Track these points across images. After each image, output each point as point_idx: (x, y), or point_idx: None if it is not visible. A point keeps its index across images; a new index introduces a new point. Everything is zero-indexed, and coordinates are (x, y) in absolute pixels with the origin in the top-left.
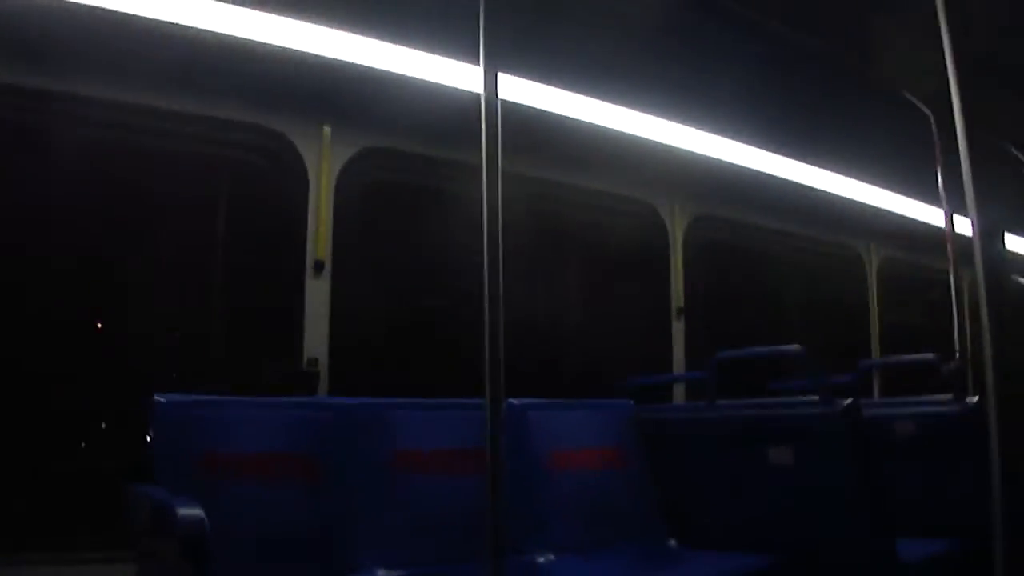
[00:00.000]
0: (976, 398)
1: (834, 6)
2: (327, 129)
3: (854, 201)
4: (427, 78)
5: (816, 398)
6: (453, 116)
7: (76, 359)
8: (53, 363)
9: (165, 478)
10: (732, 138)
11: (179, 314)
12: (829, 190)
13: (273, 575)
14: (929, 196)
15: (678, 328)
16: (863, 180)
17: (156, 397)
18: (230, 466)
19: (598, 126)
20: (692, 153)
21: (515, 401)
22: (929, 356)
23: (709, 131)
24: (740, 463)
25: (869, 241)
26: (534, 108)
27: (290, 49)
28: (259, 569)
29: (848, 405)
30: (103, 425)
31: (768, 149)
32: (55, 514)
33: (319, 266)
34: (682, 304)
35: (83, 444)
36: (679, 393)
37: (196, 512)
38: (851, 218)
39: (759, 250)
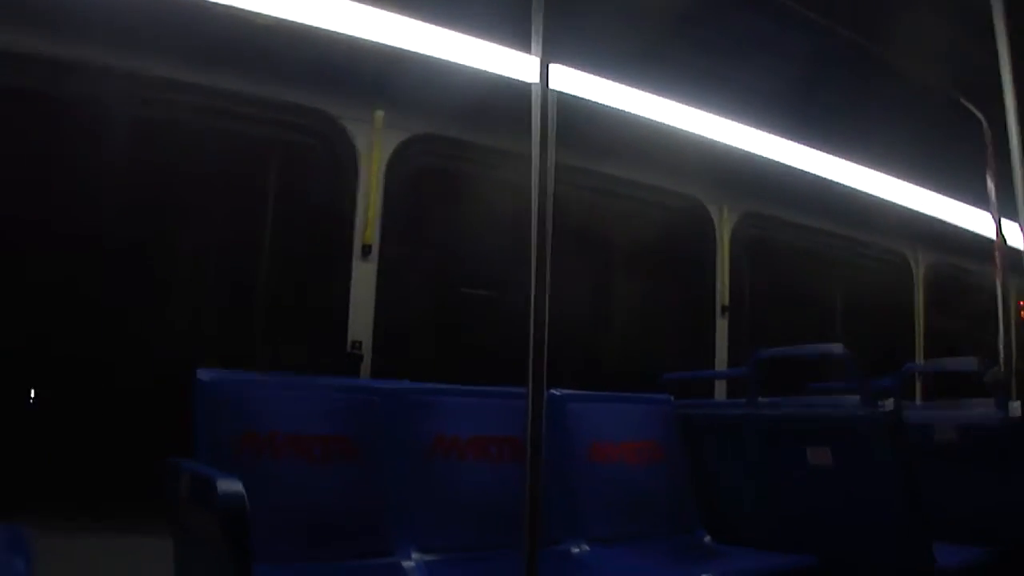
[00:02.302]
0: (1019, 406)
1: (890, 6)
2: (379, 114)
3: (902, 205)
4: (479, 66)
5: (857, 399)
6: (503, 104)
7: (123, 337)
8: (101, 341)
9: (205, 454)
10: (782, 136)
11: (226, 293)
12: (878, 193)
13: (309, 555)
14: (979, 201)
15: (722, 325)
16: (912, 183)
17: (198, 374)
18: (270, 445)
19: (648, 119)
20: (742, 150)
21: (556, 391)
22: (972, 362)
23: (759, 128)
24: (778, 462)
25: (916, 245)
26: (584, 98)
27: (344, 33)
28: (295, 548)
29: (889, 408)
30: (147, 400)
31: (818, 149)
32: (95, 486)
33: (367, 250)
34: (727, 302)
35: (126, 418)
36: (720, 390)
37: (236, 487)
38: (899, 222)
39: (806, 250)
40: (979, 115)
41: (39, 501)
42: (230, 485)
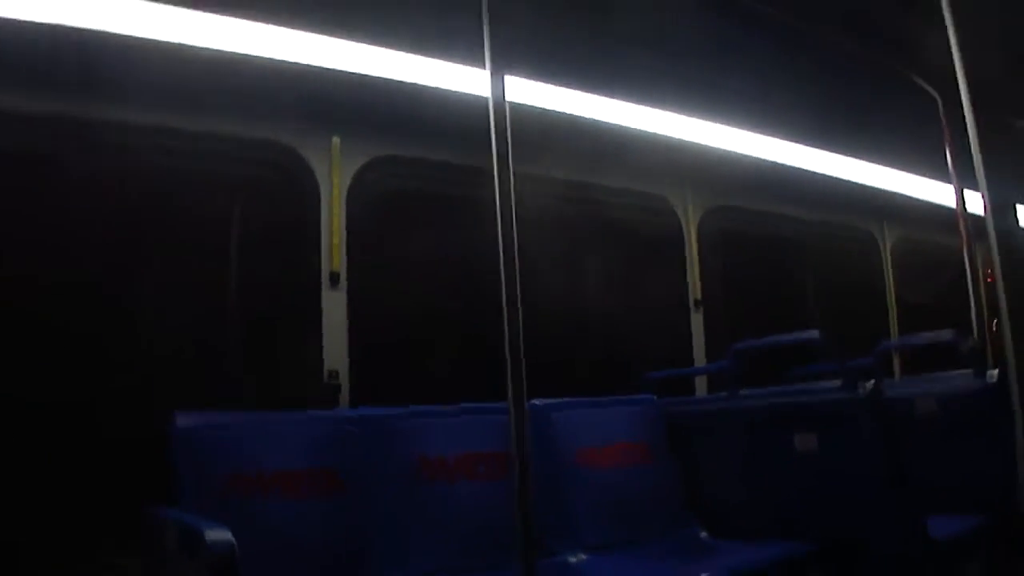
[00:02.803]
0: (996, 372)
1: None
2: (336, 140)
3: (865, 185)
4: (434, 84)
5: (838, 383)
6: (462, 121)
7: (91, 380)
8: (68, 384)
9: (189, 501)
10: (740, 127)
11: (196, 332)
12: (840, 175)
13: None
14: (940, 175)
15: (697, 320)
16: (874, 162)
17: (176, 418)
18: (255, 485)
19: (606, 123)
20: (701, 144)
21: (538, 402)
22: (948, 334)
23: (716, 121)
24: (766, 452)
25: (882, 222)
26: (542, 108)
27: (294, 62)
28: None
29: (871, 388)
30: (121, 448)
31: (777, 136)
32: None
33: (335, 278)
34: (700, 296)
35: (100, 466)
36: (701, 385)
37: (225, 536)
38: (863, 200)
39: (774, 237)
40: (934, 93)
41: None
42: (219, 535)
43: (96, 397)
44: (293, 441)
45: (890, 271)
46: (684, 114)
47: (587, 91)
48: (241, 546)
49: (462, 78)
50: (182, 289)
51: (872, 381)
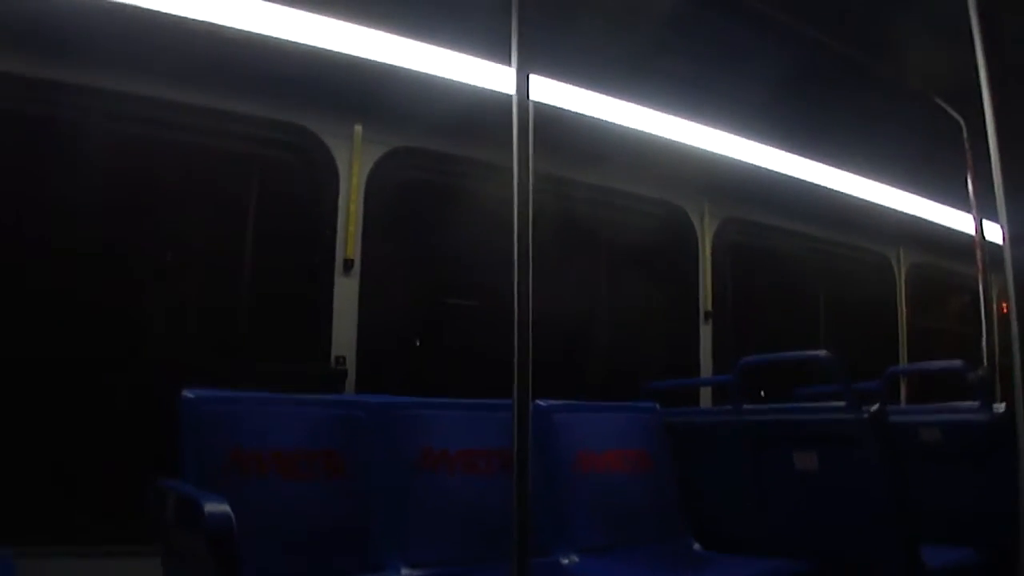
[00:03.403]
0: (1003, 406)
1: (866, 10)
2: (358, 128)
3: (883, 206)
4: (457, 78)
5: (843, 404)
6: (482, 116)
7: (104, 355)
8: (81, 359)
9: (192, 473)
10: (762, 141)
11: (208, 311)
12: (858, 195)
13: (298, 571)
14: (959, 202)
15: (706, 331)
16: (893, 185)
17: (184, 393)
18: (257, 462)
19: (628, 128)
20: (721, 156)
21: (542, 402)
22: (957, 363)
23: (738, 134)
24: (765, 468)
25: (898, 247)
26: (564, 109)
27: (323, 48)
28: (284, 565)
29: (874, 411)
30: (131, 420)
31: (797, 153)
32: (82, 508)
33: (348, 265)
34: (710, 307)
35: (111, 439)
36: (706, 397)
37: (223, 508)
38: (880, 223)
39: (788, 254)
40: (958, 117)
41: (22, 523)
42: (217, 506)
43: (105, 371)
44: (297, 422)
45: (903, 296)
46: (706, 124)
47: (609, 95)
48: (239, 521)
49: (486, 74)
50: (195, 266)
51: (877, 404)
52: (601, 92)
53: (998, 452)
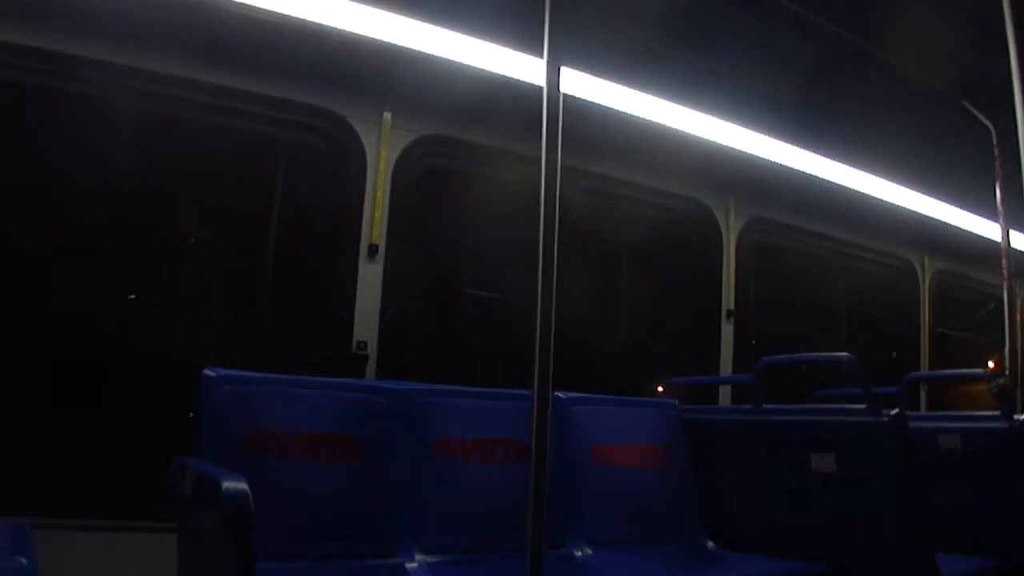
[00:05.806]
0: None
1: (900, 14)
2: (387, 115)
3: (909, 211)
4: (487, 67)
5: (863, 406)
6: (510, 106)
7: (128, 334)
8: (105, 338)
9: (210, 452)
10: (790, 142)
11: (231, 292)
12: (885, 199)
13: (312, 554)
14: (986, 209)
15: (727, 330)
16: (919, 190)
17: (205, 372)
18: (275, 443)
19: (655, 123)
20: (748, 154)
21: (561, 394)
22: (978, 371)
23: (766, 133)
24: (782, 468)
25: (923, 252)
26: (590, 101)
27: (354, 33)
28: (297, 546)
29: (895, 415)
30: (153, 398)
31: (825, 154)
32: (101, 484)
33: (373, 250)
34: (732, 306)
35: (132, 416)
36: (725, 395)
37: (241, 485)
38: (906, 229)
39: (812, 255)
40: (987, 122)
41: (43, 497)
42: (235, 484)
43: (130, 351)
44: (317, 405)
45: (927, 303)
46: (734, 122)
47: (638, 89)
48: (256, 500)
49: (516, 64)
50: (220, 247)
51: (897, 409)
52: (626, 84)
53: (1018, 461)
